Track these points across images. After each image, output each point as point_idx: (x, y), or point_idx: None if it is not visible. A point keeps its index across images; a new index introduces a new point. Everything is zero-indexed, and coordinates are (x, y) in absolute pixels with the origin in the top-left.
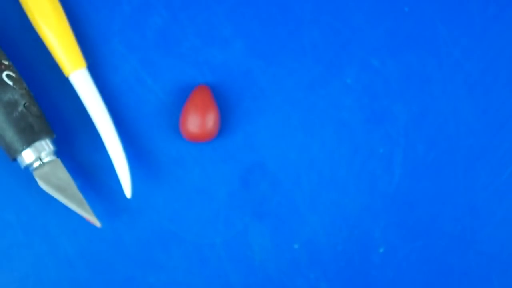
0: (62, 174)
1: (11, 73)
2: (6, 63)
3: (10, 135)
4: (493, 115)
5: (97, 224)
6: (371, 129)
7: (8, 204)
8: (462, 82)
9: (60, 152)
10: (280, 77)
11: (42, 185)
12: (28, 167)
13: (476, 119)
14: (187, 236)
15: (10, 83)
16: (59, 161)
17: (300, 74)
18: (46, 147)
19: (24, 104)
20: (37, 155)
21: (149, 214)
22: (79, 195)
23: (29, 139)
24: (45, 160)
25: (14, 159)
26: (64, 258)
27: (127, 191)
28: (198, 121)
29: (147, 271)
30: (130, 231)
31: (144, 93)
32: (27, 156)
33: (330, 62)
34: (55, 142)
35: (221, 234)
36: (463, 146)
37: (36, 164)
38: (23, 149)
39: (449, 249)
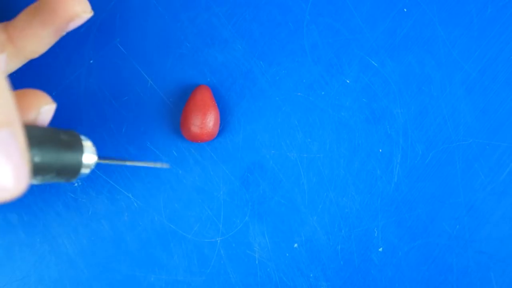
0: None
1: None
2: None
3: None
4: (491, 115)
5: (165, 165)
6: (371, 129)
7: (9, 204)
8: (461, 82)
9: None
10: (280, 77)
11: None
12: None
13: (474, 119)
14: (187, 235)
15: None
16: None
17: (300, 74)
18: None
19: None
20: (92, 150)
21: (149, 214)
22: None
23: (78, 147)
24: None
25: (76, 174)
26: (65, 258)
27: None
28: (199, 121)
29: (148, 270)
30: (131, 231)
31: (145, 93)
32: (87, 157)
33: (329, 63)
34: None
35: (221, 233)
36: (462, 146)
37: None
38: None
39: (448, 248)
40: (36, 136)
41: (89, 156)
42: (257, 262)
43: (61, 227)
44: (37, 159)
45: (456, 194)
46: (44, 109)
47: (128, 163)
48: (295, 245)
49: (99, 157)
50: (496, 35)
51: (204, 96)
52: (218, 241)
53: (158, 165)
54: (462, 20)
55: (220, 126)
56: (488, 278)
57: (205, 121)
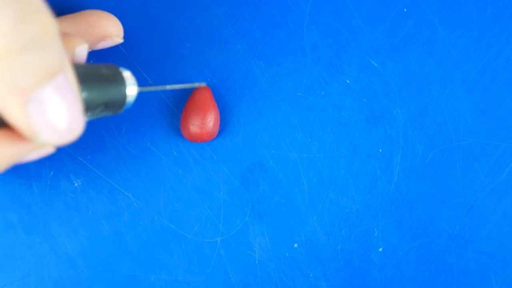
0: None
1: None
2: None
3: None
4: (491, 115)
5: (202, 84)
6: (371, 129)
7: (9, 204)
8: (461, 82)
9: (60, 153)
10: (280, 77)
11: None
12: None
13: (474, 119)
14: (187, 235)
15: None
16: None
17: (300, 74)
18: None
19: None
20: (133, 81)
21: (149, 214)
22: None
23: (119, 78)
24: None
25: (122, 106)
26: (65, 258)
27: None
28: (199, 121)
29: (148, 270)
30: (131, 231)
31: (145, 93)
32: (130, 88)
33: (329, 63)
34: None
35: (221, 233)
36: (462, 146)
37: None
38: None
39: (448, 248)
40: (79, 73)
41: (131, 87)
42: (257, 262)
43: (61, 227)
44: (84, 95)
45: (456, 194)
46: (79, 49)
47: (168, 88)
48: (295, 245)
49: (139, 86)
50: (496, 35)
51: (204, 96)
52: (218, 241)
53: (195, 85)
54: (462, 20)
55: (220, 126)
56: (488, 278)
57: (205, 121)
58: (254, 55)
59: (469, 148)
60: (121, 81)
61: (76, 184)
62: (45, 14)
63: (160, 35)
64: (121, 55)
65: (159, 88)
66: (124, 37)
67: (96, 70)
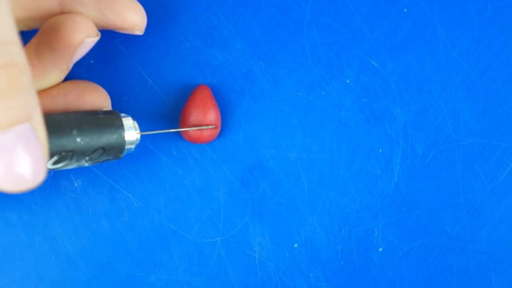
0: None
1: None
2: None
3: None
4: (491, 115)
5: (210, 127)
6: (371, 129)
7: (9, 203)
8: (461, 83)
9: None
10: (280, 77)
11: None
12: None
13: (474, 119)
14: (187, 235)
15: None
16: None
17: (300, 74)
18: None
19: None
20: (133, 126)
21: (149, 214)
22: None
23: (118, 123)
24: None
25: (122, 151)
26: (65, 258)
27: None
28: (199, 121)
29: (148, 270)
30: (131, 231)
31: (145, 93)
32: (129, 134)
33: (329, 63)
34: None
35: (221, 233)
36: (462, 146)
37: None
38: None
39: (448, 249)
40: (75, 119)
41: (130, 133)
42: (257, 262)
43: (61, 227)
44: (79, 139)
45: (456, 194)
46: (88, 41)
47: (172, 131)
48: (295, 245)
49: (142, 131)
50: (496, 35)
51: (204, 96)
52: (218, 241)
53: (203, 127)
54: (462, 20)
55: (220, 126)
56: (488, 278)
57: (205, 121)
58: (254, 55)
59: (469, 148)
60: (120, 126)
61: (76, 184)
62: (16, 65)
63: (160, 35)
64: (121, 55)
65: (163, 131)
66: (124, 37)
67: (93, 115)
